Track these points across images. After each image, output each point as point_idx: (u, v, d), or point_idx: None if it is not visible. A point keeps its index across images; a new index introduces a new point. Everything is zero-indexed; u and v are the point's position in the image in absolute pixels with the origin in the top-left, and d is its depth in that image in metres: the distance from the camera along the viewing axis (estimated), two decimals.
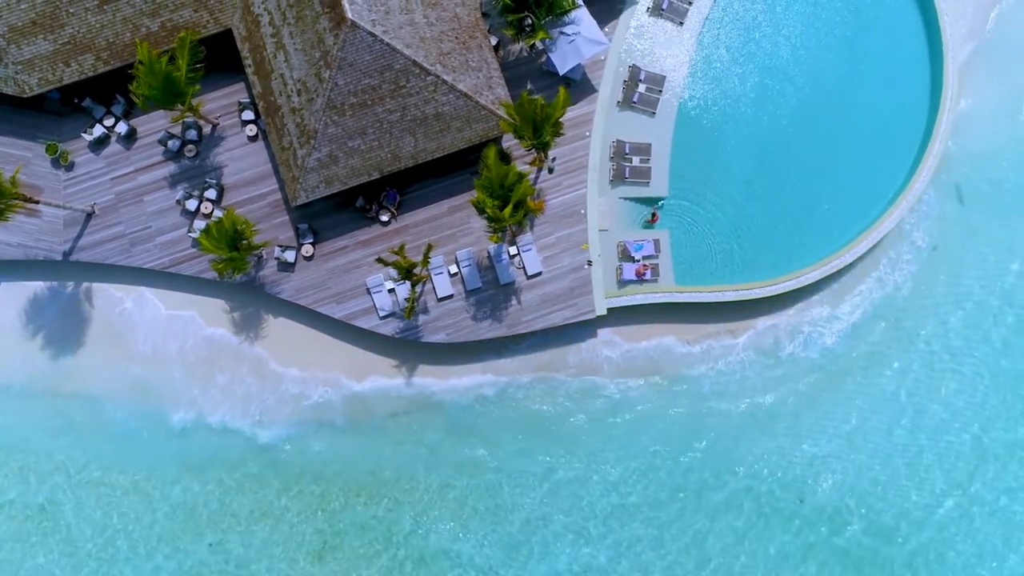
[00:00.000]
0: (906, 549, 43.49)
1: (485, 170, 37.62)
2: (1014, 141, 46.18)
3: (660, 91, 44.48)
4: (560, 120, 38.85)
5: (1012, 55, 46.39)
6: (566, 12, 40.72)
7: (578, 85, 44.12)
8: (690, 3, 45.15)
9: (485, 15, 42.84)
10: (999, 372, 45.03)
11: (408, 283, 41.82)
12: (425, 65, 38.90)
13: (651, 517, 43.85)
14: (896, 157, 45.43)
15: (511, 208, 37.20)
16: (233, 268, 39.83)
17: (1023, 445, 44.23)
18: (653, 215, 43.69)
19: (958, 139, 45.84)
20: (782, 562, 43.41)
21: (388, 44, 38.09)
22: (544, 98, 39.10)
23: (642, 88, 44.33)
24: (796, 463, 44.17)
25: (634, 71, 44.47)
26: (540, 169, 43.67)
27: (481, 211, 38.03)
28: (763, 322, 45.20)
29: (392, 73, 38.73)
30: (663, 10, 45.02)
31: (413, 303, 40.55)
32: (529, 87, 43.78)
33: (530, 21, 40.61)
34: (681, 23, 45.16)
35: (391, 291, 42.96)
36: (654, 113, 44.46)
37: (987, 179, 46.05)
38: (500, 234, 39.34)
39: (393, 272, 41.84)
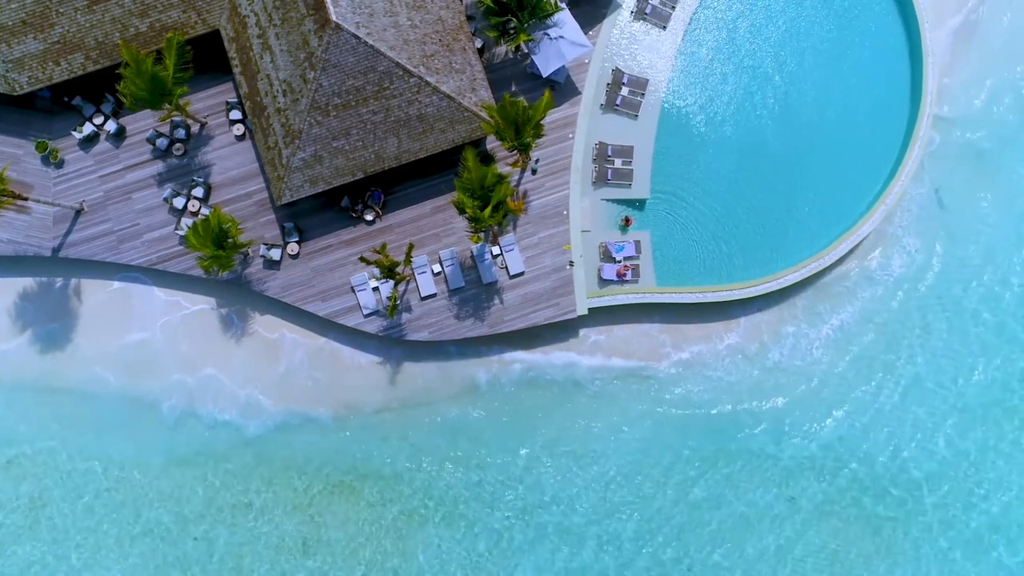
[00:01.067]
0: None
1: (465, 171, 38.22)
2: (994, 144, 46.88)
3: (643, 94, 45.02)
4: (541, 122, 39.41)
5: (989, 59, 47.11)
6: (549, 15, 41.24)
7: (562, 87, 44.66)
8: (673, 7, 45.69)
9: (470, 18, 43.42)
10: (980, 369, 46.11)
11: (392, 282, 42.40)
12: (408, 67, 39.47)
13: (636, 509, 44.49)
14: (877, 160, 46.01)
15: (491, 209, 37.77)
16: (219, 266, 40.41)
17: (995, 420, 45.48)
18: (627, 219, 44.21)
19: (939, 142, 46.63)
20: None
21: (372, 46, 38.66)
22: (524, 100, 39.67)
23: (625, 91, 44.87)
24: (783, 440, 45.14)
25: (617, 74, 45.00)
26: (524, 170, 44.23)
27: (462, 211, 38.61)
28: (744, 322, 45.72)
29: (376, 75, 39.31)
30: (646, 14, 45.57)
31: (395, 302, 41.14)
32: (514, 89, 44.34)
33: (513, 24, 41.12)
34: (664, 27, 45.71)
35: (375, 290, 43.54)
36: (636, 116, 45.01)
37: (967, 184, 46.73)
38: (481, 234, 39.91)
39: (376, 271, 42.40)
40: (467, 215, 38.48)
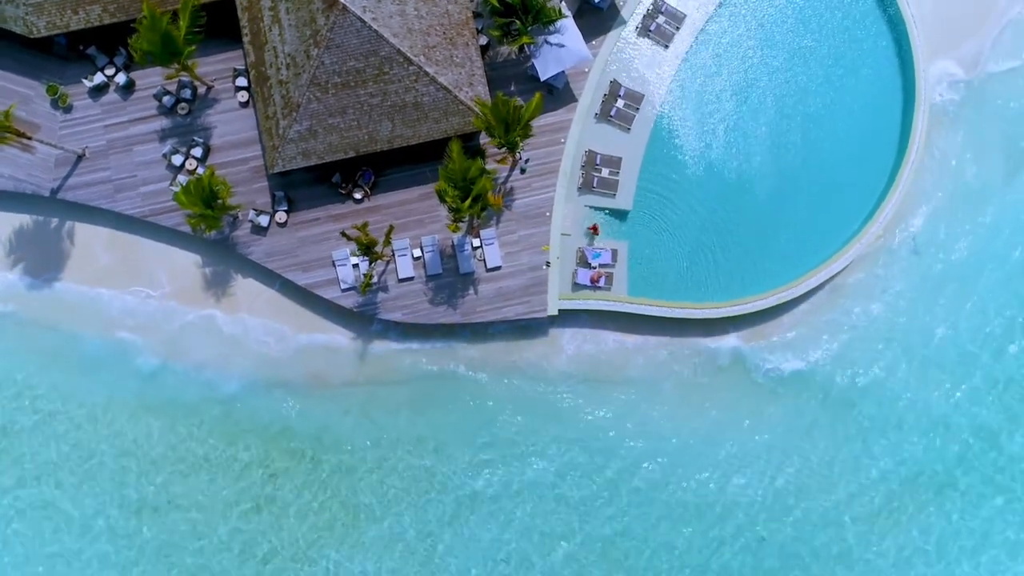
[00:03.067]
0: None
1: (449, 161, 39.44)
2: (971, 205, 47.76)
3: (637, 108, 46.13)
4: (530, 123, 40.64)
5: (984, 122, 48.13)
6: (552, 21, 42.46)
7: (560, 93, 45.87)
8: (678, 28, 46.79)
9: (477, 15, 44.60)
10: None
11: (376, 260, 43.61)
12: (409, 55, 40.80)
13: (582, 512, 45.61)
14: (858, 200, 46.95)
15: (470, 200, 39.00)
16: (206, 225, 41.84)
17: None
18: (594, 227, 45.29)
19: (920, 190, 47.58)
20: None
21: (376, 31, 40.03)
22: (519, 100, 40.94)
23: (620, 103, 46.00)
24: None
25: (615, 86, 46.14)
26: (513, 168, 45.44)
27: (443, 200, 39.87)
28: (709, 343, 46.55)
29: (377, 59, 40.64)
30: (651, 31, 46.68)
31: (369, 280, 42.42)
32: (512, 89, 45.52)
33: (516, 25, 42.31)
34: (667, 46, 46.80)
35: (355, 266, 44.79)
36: (629, 128, 46.11)
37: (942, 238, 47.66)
38: (461, 224, 41.12)
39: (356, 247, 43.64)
40: (447, 204, 39.72)
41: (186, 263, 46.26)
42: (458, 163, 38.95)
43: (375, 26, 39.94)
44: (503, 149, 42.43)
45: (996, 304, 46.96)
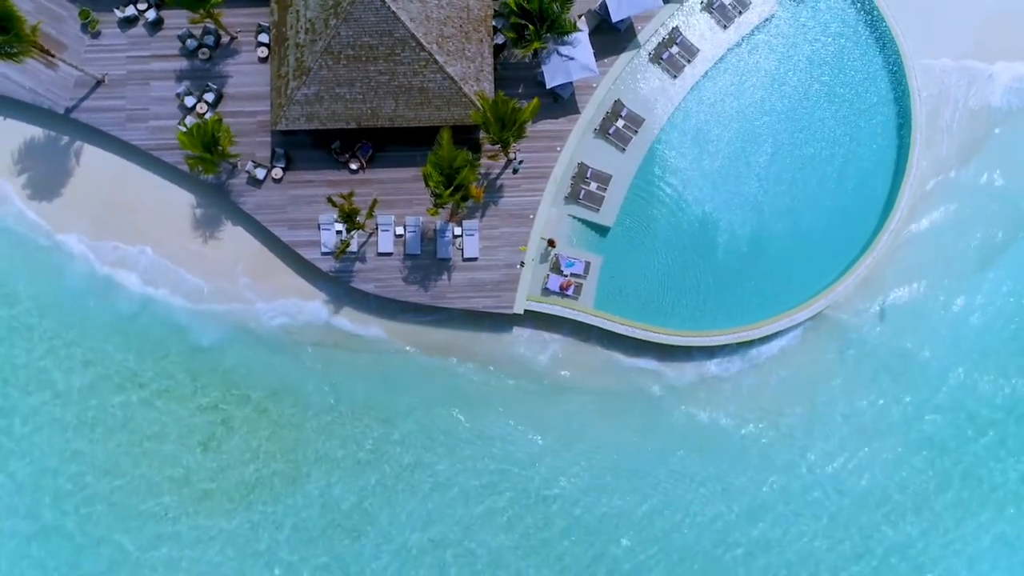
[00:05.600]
0: None
1: (439, 148, 40.91)
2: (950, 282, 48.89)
3: (636, 131, 47.43)
4: (525, 126, 42.04)
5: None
6: (566, 32, 43.84)
7: (564, 103, 47.27)
8: (689, 60, 48.05)
9: (498, 14, 46.03)
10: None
11: (354, 229, 45.15)
12: (423, 41, 42.33)
13: (508, 487, 47.28)
14: (833, 257, 48.12)
15: (452, 188, 40.46)
16: (203, 168, 43.54)
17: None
18: (551, 241, 46.59)
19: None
20: None
21: (394, 12, 41.59)
22: (518, 102, 42.39)
23: (620, 123, 47.34)
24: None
25: (618, 106, 47.46)
26: (507, 167, 46.86)
27: (427, 183, 41.35)
28: (665, 367, 47.81)
29: (391, 39, 42.20)
30: (662, 59, 47.97)
31: (345, 247, 43.96)
32: (520, 91, 46.93)
33: (529, 31, 43.71)
34: (675, 76, 48.08)
35: (339, 232, 46.33)
36: (624, 149, 47.44)
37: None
38: (440, 210, 42.58)
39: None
40: (431, 188, 41.20)
41: (179, 203, 47.84)
42: (447, 151, 40.42)
43: (394, 7, 41.50)
44: (496, 146, 43.84)
45: None
